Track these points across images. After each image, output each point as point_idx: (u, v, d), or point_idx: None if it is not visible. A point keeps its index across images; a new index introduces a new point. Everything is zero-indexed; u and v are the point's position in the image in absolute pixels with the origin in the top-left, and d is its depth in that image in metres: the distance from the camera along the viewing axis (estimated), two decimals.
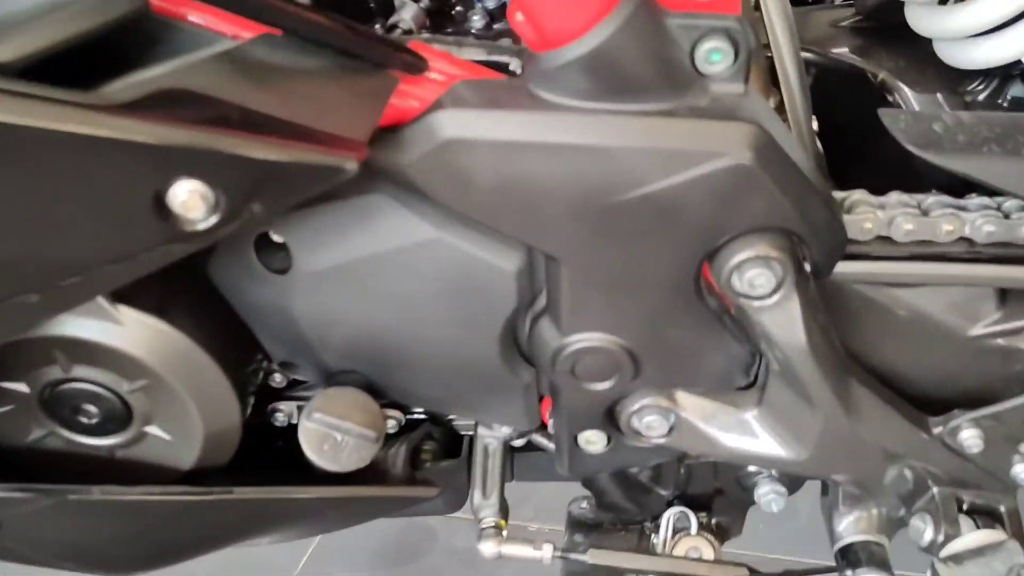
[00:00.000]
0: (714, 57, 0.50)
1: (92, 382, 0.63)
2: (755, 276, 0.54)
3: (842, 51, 0.81)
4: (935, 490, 0.61)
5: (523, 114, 0.51)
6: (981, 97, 0.74)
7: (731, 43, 0.50)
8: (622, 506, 0.76)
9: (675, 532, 0.73)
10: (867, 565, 0.62)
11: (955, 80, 0.74)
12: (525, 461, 0.82)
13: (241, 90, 0.45)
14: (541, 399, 0.69)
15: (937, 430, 0.60)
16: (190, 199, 0.44)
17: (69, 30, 0.43)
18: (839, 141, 0.72)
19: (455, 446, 0.80)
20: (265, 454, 0.75)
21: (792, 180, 0.52)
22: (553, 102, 0.51)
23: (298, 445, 0.72)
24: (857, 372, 0.59)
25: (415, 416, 0.77)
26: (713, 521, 0.75)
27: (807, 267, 0.55)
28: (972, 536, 0.58)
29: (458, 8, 0.80)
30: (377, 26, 0.78)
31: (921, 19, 0.69)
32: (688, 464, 0.73)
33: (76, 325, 0.60)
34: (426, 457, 0.78)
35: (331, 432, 0.64)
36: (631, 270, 0.55)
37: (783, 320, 0.55)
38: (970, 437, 0.59)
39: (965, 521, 0.60)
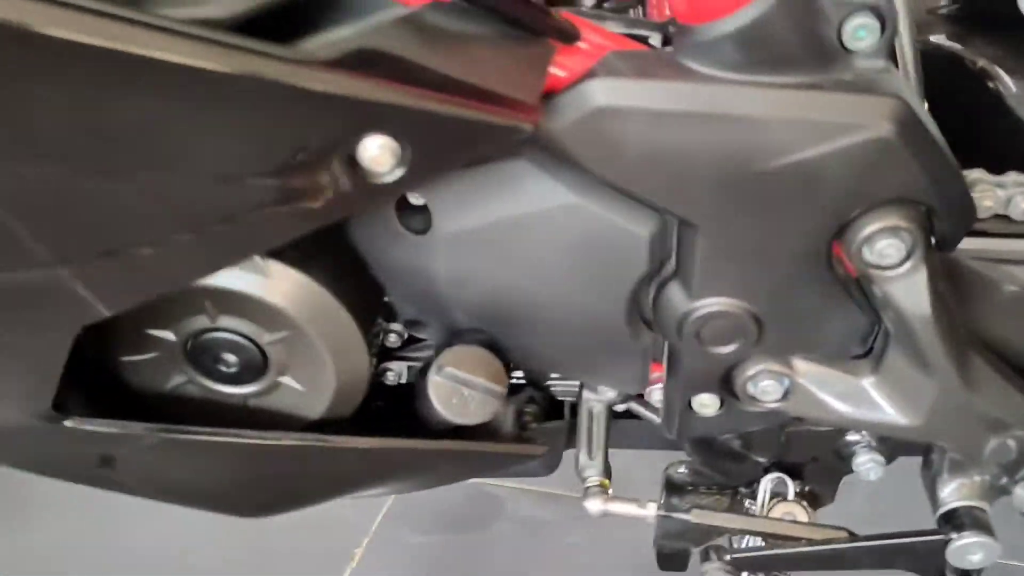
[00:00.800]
0: (860, 34, 0.53)
1: (235, 332, 0.67)
2: (886, 247, 0.56)
3: (939, 38, 0.83)
4: None
5: (674, 84, 0.54)
6: None
7: (878, 20, 0.53)
8: (719, 471, 0.78)
9: (771, 497, 0.76)
10: (970, 528, 0.65)
11: None
12: (619, 429, 0.85)
13: (426, 52, 0.48)
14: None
15: None
16: (380, 153, 0.47)
17: None
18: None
19: (554, 411, 0.83)
20: (371, 411, 0.78)
21: (931, 154, 0.54)
22: (704, 73, 0.54)
23: (407, 402, 0.76)
24: (974, 344, 0.62)
25: (517, 381, 0.80)
26: (806, 489, 0.78)
27: (933, 240, 0.58)
28: None
29: None
30: None
31: None
32: (787, 432, 0.76)
33: (228, 276, 0.63)
34: (528, 420, 0.81)
35: (459, 387, 0.68)
36: (766, 238, 0.57)
37: (910, 290, 0.58)
38: None
39: None
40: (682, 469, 0.79)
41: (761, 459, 0.77)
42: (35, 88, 0.42)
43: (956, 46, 0.82)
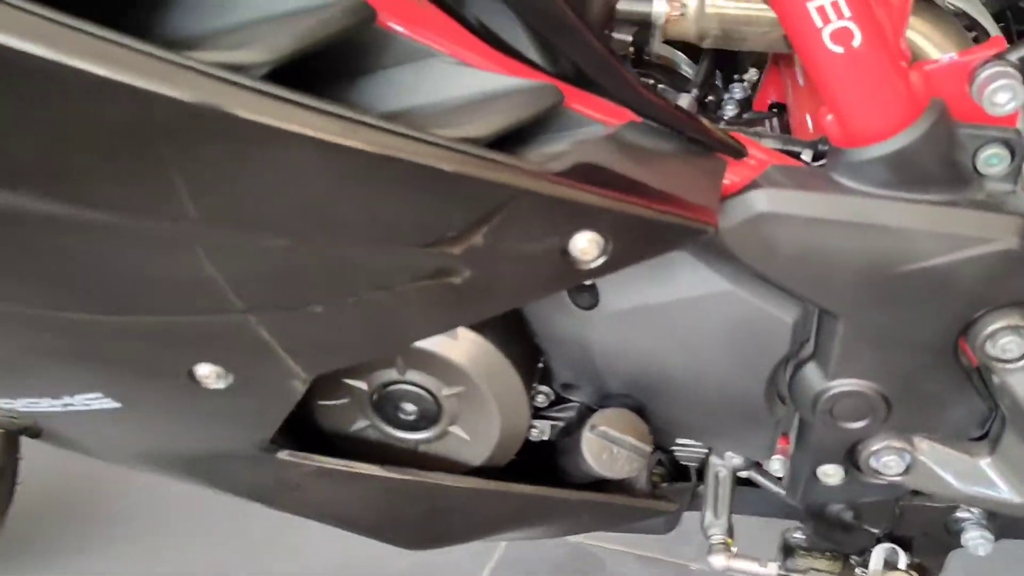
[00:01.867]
0: (992, 160, 0.62)
1: (418, 385, 0.77)
2: (1008, 343, 0.64)
3: None
4: None
5: (828, 196, 0.63)
6: None
7: (1008, 150, 0.62)
8: (833, 540, 0.85)
9: (884, 566, 0.83)
10: None
11: None
12: (740, 496, 0.92)
13: (628, 164, 0.58)
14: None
15: None
16: (588, 246, 0.58)
17: (308, 38, 0.52)
18: None
19: (679, 475, 0.91)
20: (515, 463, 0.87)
21: None
22: (854, 188, 0.63)
23: (549, 456, 0.85)
24: None
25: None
26: (915, 561, 0.84)
27: None
28: None
29: (710, 98, 0.93)
30: None
31: None
32: (902, 506, 0.83)
33: None
34: (657, 480, 0.90)
35: (609, 444, 0.77)
36: (900, 330, 0.66)
37: None
38: None
39: None
40: (798, 534, 0.87)
41: (874, 529, 0.84)
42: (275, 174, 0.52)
43: None
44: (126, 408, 0.69)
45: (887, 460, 0.73)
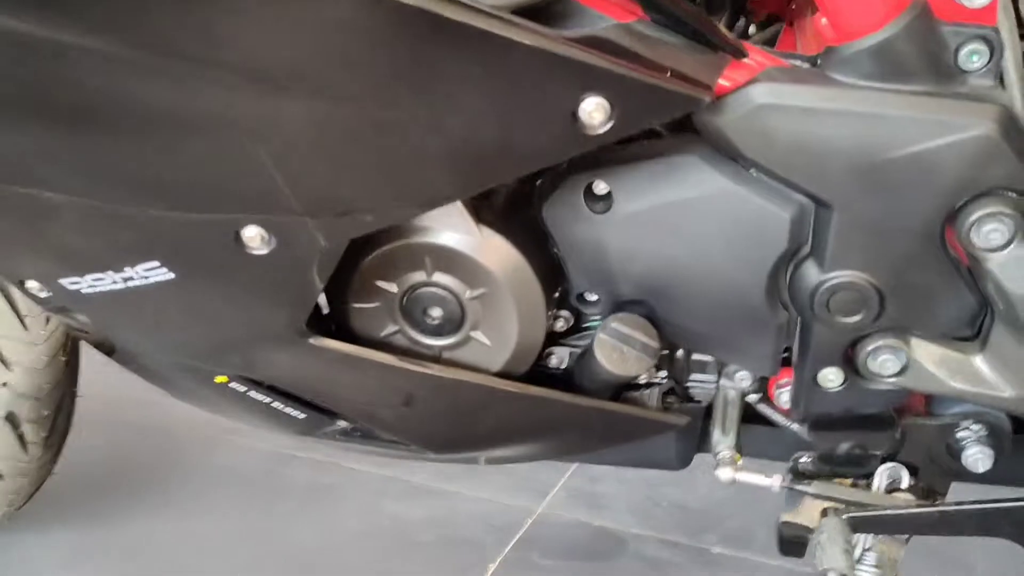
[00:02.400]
0: (973, 58, 0.68)
1: (444, 287, 0.83)
2: (991, 231, 0.69)
3: None
4: None
5: (821, 88, 0.69)
6: None
7: (988, 47, 0.67)
8: (841, 462, 0.88)
9: (887, 484, 0.86)
10: None
11: None
12: (753, 436, 0.96)
13: (635, 43, 0.65)
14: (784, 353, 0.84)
15: None
16: (596, 109, 0.64)
17: None
18: None
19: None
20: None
21: None
22: (845, 81, 0.69)
23: (570, 380, 0.90)
24: None
25: (658, 380, 0.94)
26: (921, 485, 0.87)
27: None
28: None
29: None
30: None
31: None
32: (903, 425, 0.86)
33: (447, 236, 0.81)
34: (670, 405, 0.94)
35: (620, 344, 0.82)
36: (889, 218, 0.71)
37: (1013, 271, 0.70)
38: None
39: None
40: (805, 458, 0.90)
41: (878, 453, 0.87)
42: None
43: None
44: (181, 279, 0.76)
45: (884, 359, 0.77)
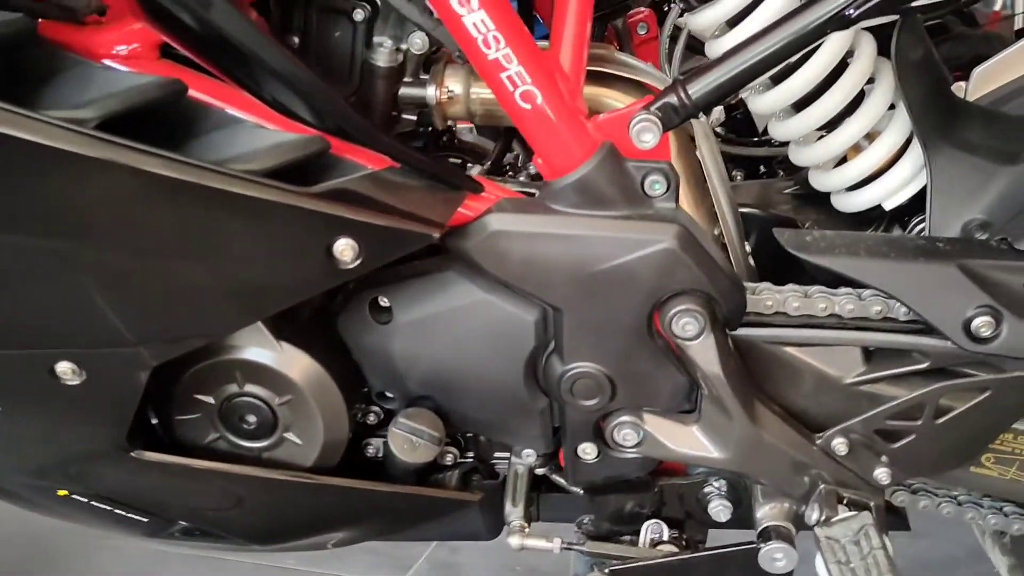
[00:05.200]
0: (655, 186, 0.84)
1: (256, 396, 0.95)
2: (686, 323, 0.84)
3: (781, 210, 1.15)
4: (822, 487, 0.88)
5: (541, 216, 0.85)
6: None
7: (666, 177, 0.84)
8: (615, 521, 1.02)
9: (651, 539, 1.00)
10: (775, 540, 0.88)
11: (857, 224, 1.06)
12: (549, 503, 1.09)
13: (378, 192, 0.80)
14: (555, 432, 0.98)
15: (819, 441, 0.88)
16: (346, 249, 0.78)
17: (129, 102, 0.75)
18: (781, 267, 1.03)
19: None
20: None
21: (704, 260, 0.84)
22: (558, 209, 0.85)
23: (381, 471, 1.03)
24: (761, 397, 0.88)
25: (466, 459, 1.07)
26: (683, 536, 1.01)
27: (720, 321, 0.86)
28: (842, 514, 0.85)
29: (508, 173, 1.17)
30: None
31: (818, 180, 1.03)
32: (661, 487, 1.00)
33: (254, 353, 0.93)
34: (475, 482, 1.07)
35: (410, 436, 0.95)
36: (606, 318, 0.86)
37: (706, 355, 0.85)
38: (839, 443, 0.87)
39: (843, 510, 0.87)
40: (587, 520, 1.04)
41: (645, 511, 1.02)
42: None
43: (791, 214, 1.13)
44: (3, 408, 0.87)
45: (625, 433, 0.91)
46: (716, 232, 0.99)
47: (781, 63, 0.80)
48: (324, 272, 0.80)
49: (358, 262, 0.79)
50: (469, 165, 1.17)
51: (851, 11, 0.75)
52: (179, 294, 0.80)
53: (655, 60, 1.39)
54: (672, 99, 0.82)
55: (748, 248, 1.01)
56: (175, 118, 0.80)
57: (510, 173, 1.16)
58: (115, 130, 0.73)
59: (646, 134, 0.82)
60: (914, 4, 0.74)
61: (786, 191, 1.18)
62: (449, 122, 1.02)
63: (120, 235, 0.76)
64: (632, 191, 0.84)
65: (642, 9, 1.38)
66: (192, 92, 0.81)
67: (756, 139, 1.39)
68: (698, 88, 0.81)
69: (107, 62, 0.83)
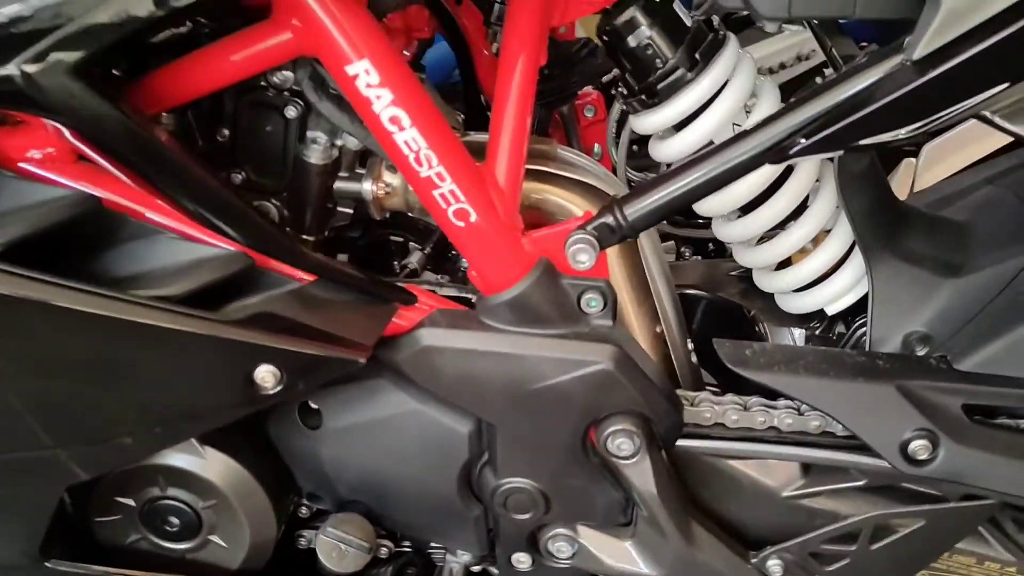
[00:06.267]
0: (592, 303, 0.82)
1: (179, 500, 0.92)
2: (621, 443, 0.82)
3: (728, 292, 1.13)
4: None
5: (474, 332, 0.82)
6: (818, 331, 1.04)
7: (603, 295, 0.82)
8: None
9: None
10: None
11: (801, 319, 1.05)
12: None
13: (302, 312, 0.77)
14: (490, 533, 0.96)
15: (754, 560, 0.87)
16: (267, 376, 0.75)
17: (36, 225, 0.71)
18: None
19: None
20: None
21: (641, 381, 0.82)
22: (493, 326, 0.82)
23: (312, 567, 1.00)
24: (696, 515, 0.87)
25: (402, 548, 1.04)
26: None
27: (657, 440, 0.84)
28: None
29: (452, 253, 1.14)
30: (395, 262, 1.12)
31: (762, 281, 1.01)
32: None
33: (177, 458, 0.90)
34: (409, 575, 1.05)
35: (338, 543, 0.92)
36: (541, 435, 0.84)
37: (641, 475, 0.83)
38: (773, 564, 0.85)
39: None
40: None
41: None
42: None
43: (738, 299, 1.12)
44: None
45: (559, 546, 0.89)
46: (658, 330, 0.97)
47: (718, 190, 0.78)
48: (244, 399, 0.76)
49: (279, 388, 0.76)
50: (412, 245, 1.14)
51: (791, 146, 0.73)
52: (95, 423, 0.76)
53: (602, 142, 1.37)
54: (609, 219, 0.79)
55: (691, 346, 1.00)
56: (90, 228, 0.76)
57: (454, 252, 1.13)
58: (26, 245, 0.69)
59: (582, 255, 0.79)
60: (862, 143, 0.72)
61: (733, 272, 1.16)
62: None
63: (31, 364, 0.73)
64: (568, 309, 0.82)
65: (590, 91, 1.35)
66: (109, 198, 0.77)
67: (702, 219, 1.37)
68: (635, 210, 0.79)
69: (23, 165, 0.79)
